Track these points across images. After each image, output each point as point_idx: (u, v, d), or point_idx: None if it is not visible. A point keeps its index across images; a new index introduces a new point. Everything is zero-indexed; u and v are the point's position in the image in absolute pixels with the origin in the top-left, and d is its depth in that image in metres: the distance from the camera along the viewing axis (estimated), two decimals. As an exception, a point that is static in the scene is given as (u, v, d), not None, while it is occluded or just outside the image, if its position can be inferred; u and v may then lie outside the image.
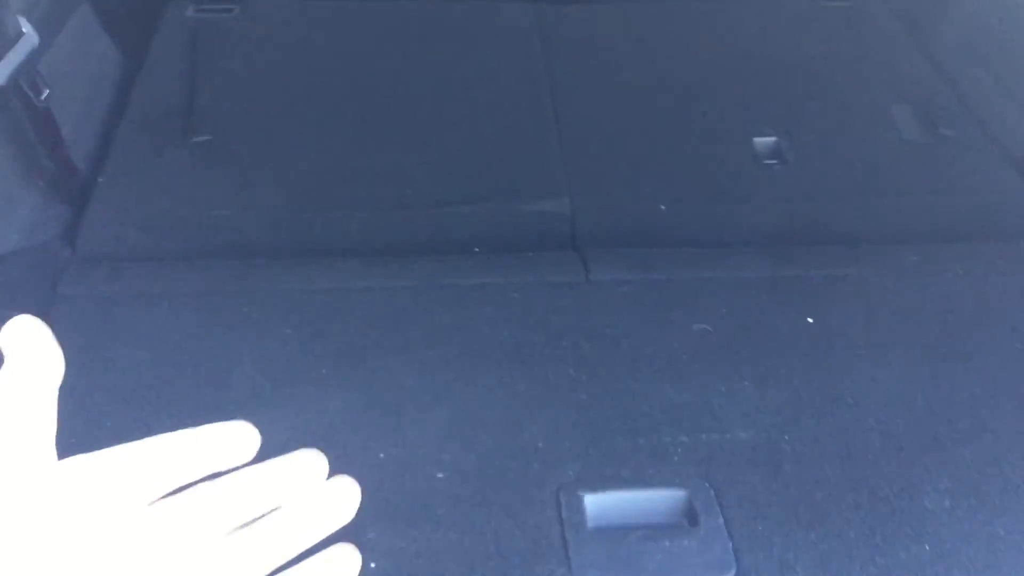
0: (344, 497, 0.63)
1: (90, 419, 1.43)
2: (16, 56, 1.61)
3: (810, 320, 1.63)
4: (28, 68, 1.65)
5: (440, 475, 1.37)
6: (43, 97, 1.68)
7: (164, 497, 0.58)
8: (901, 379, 1.52)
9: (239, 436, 0.63)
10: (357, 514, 1.27)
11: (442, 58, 2.28)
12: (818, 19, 2.43)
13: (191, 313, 1.62)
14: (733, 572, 1.25)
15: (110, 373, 1.51)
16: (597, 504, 1.33)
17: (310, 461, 0.64)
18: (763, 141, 2.06)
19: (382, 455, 1.39)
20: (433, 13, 2.42)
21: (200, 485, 0.60)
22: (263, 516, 0.60)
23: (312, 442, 1.32)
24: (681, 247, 1.79)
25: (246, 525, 0.59)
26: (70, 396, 1.30)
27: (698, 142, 2.07)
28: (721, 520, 1.31)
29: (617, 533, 1.30)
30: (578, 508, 1.32)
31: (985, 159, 2.02)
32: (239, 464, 0.63)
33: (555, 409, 1.46)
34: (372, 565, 1.26)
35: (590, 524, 1.31)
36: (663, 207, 1.88)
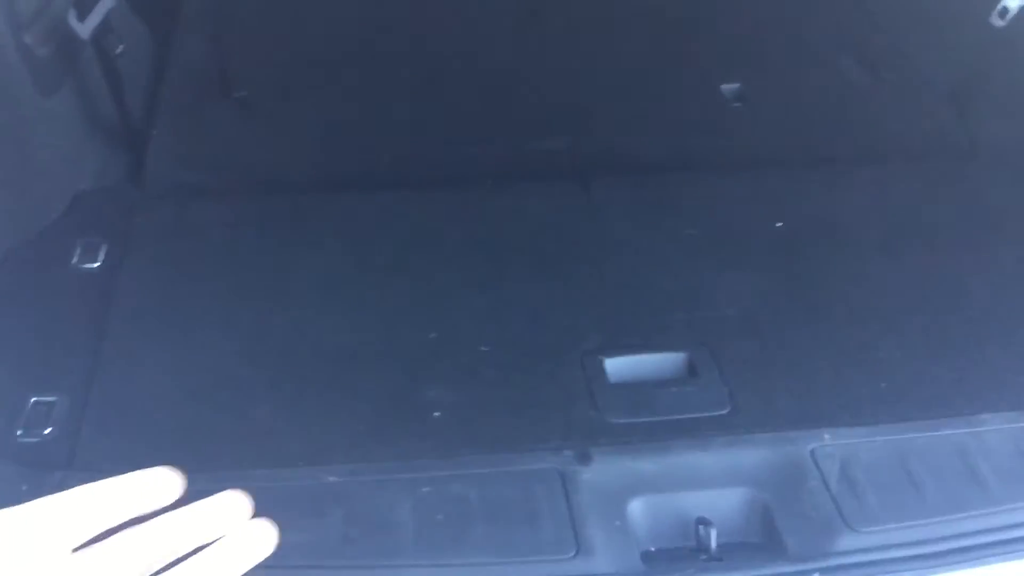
0: (261, 537, 0.66)
1: (175, 324, 1.69)
2: (97, 15, 1.87)
3: (779, 224, 1.94)
4: (105, 26, 1.91)
5: (484, 348, 1.65)
6: (118, 51, 1.94)
7: (87, 544, 0.60)
8: (857, 265, 1.83)
9: (161, 481, 0.66)
10: (418, 378, 1.54)
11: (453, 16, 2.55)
12: None
13: (250, 236, 1.89)
14: (728, 408, 1.55)
15: (186, 286, 1.77)
16: (615, 365, 1.62)
17: (231, 502, 0.67)
18: (729, 88, 2.36)
19: (433, 335, 1.67)
20: None
21: (123, 531, 0.62)
22: (185, 558, 0.63)
23: (372, 329, 1.61)
24: (667, 172, 2.08)
25: (168, 567, 0.62)
26: (155, 307, 1.58)
27: (674, 86, 2.37)
28: (716, 372, 1.60)
29: (632, 385, 1.60)
30: (600, 368, 1.61)
31: (919, 95, 2.35)
32: (162, 507, 0.66)
33: (573, 295, 1.75)
34: (436, 414, 1.53)
35: (610, 379, 1.60)
36: None
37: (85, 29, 1.87)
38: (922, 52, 2.42)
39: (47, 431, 1.49)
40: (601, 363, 1.62)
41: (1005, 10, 2.09)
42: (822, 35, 2.55)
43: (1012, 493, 1.41)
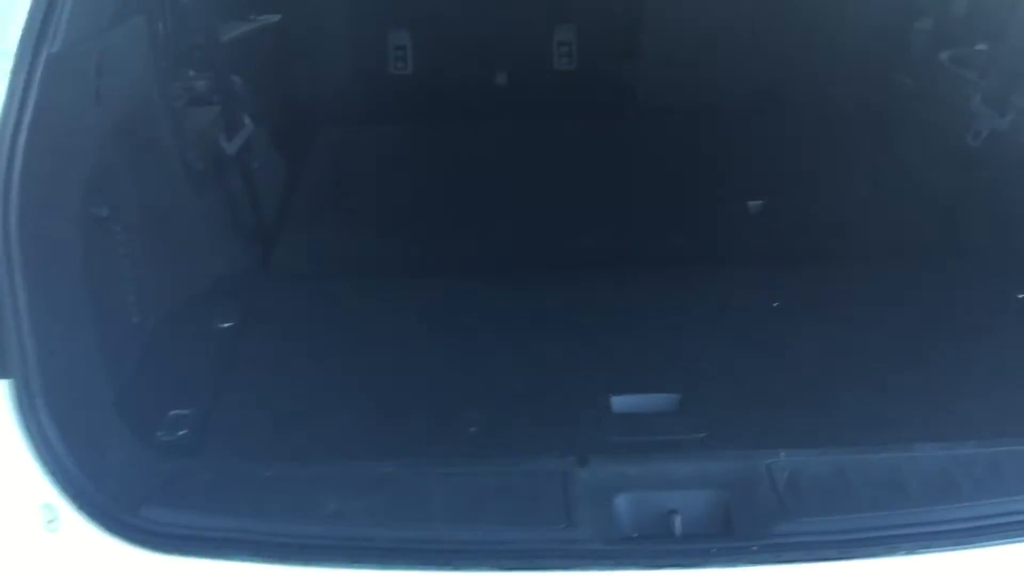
0: None
1: (284, 366, 2.19)
2: (240, 138, 2.48)
3: (776, 304, 2.33)
4: (246, 146, 2.52)
5: (517, 387, 2.09)
6: (255, 167, 2.55)
7: None
8: (833, 332, 2.22)
9: None
10: (462, 405, 1.99)
11: None
12: None
13: (347, 309, 2.42)
14: (705, 433, 1.93)
15: (296, 341, 2.28)
16: (619, 401, 2.04)
17: None
18: (754, 203, 2.82)
19: (476, 377, 2.12)
20: None
21: None
22: None
23: (429, 371, 2.11)
24: (688, 267, 2.53)
25: None
26: (270, 354, 2.09)
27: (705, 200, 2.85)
28: (701, 408, 1.99)
29: (631, 416, 2.01)
30: (606, 403, 2.03)
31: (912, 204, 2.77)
32: None
33: (595, 354, 2.20)
34: (472, 429, 1.97)
35: (614, 411, 2.01)
36: None
37: (231, 148, 2.48)
38: (916, 168, 2.82)
39: (181, 433, 1.99)
40: (608, 399, 2.03)
41: (978, 133, 2.48)
42: (835, 157, 2.99)
43: (931, 498, 1.73)
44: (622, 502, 1.77)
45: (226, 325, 2.34)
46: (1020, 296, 2.33)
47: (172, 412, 2.04)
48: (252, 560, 1.57)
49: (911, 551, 1.64)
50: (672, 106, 3.33)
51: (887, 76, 3.21)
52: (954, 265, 2.48)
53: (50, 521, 1.58)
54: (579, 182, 2.98)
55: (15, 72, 1.56)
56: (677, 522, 1.71)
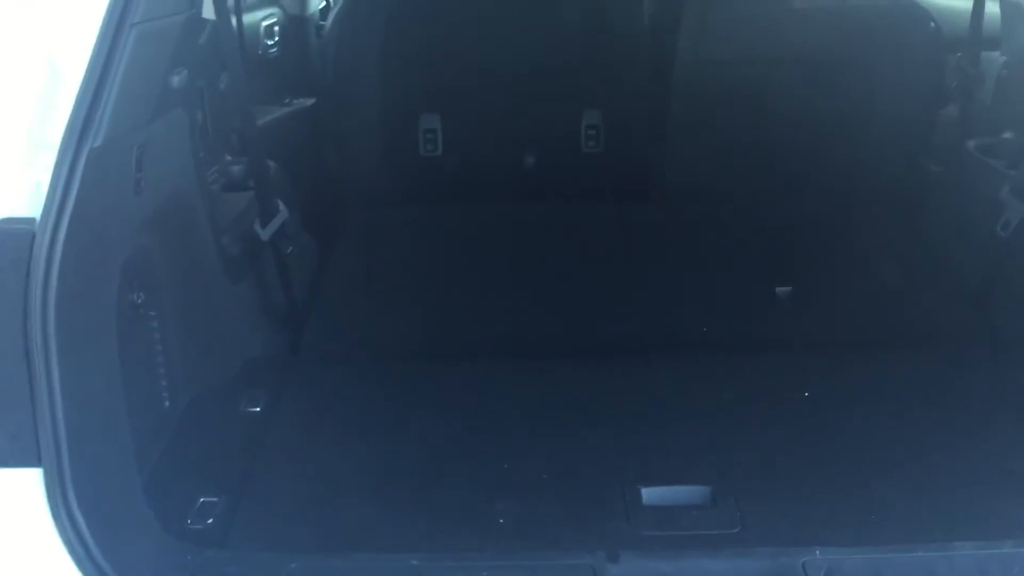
0: None
1: (310, 451, 2.19)
2: (274, 224, 2.52)
3: (807, 394, 2.32)
4: (280, 232, 2.55)
5: (545, 476, 2.07)
6: (288, 252, 2.58)
7: None
8: (864, 427, 2.19)
9: None
10: (491, 495, 1.98)
11: None
12: None
13: (373, 392, 2.42)
14: (738, 528, 1.90)
15: (322, 426, 2.28)
16: (649, 492, 2.01)
17: None
18: (783, 290, 2.82)
19: (506, 465, 2.11)
20: None
21: None
22: None
23: (458, 458, 2.09)
24: (720, 352, 2.52)
25: None
26: (297, 439, 2.10)
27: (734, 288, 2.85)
28: (732, 501, 1.96)
29: (662, 508, 1.98)
30: (636, 494, 2.00)
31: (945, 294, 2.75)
32: None
33: (625, 442, 2.18)
34: (500, 521, 1.95)
35: (645, 503, 1.98)
36: None
37: (265, 234, 2.51)
38: (946, 256, 2.81)
39: (209, 521, 1.98)
40: (638, 491, 2.01)
41: (1008, 223, 2.48)
42: (864, 243, 2.99)
43: None
44: (654, 602, 1.75)
45: (255, 409, 2.34)
46: None
47: (201, 500, 2.03)
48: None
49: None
50: (699, 189, 3.35)
51: (915, 163, 3.22)
52: (986, 355, 2.46)
53: (78, 613, 1.58)
54: (607, 266, 3.00)
55: (58, 166, 1.59)
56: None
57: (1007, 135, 2.94)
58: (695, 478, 2.05)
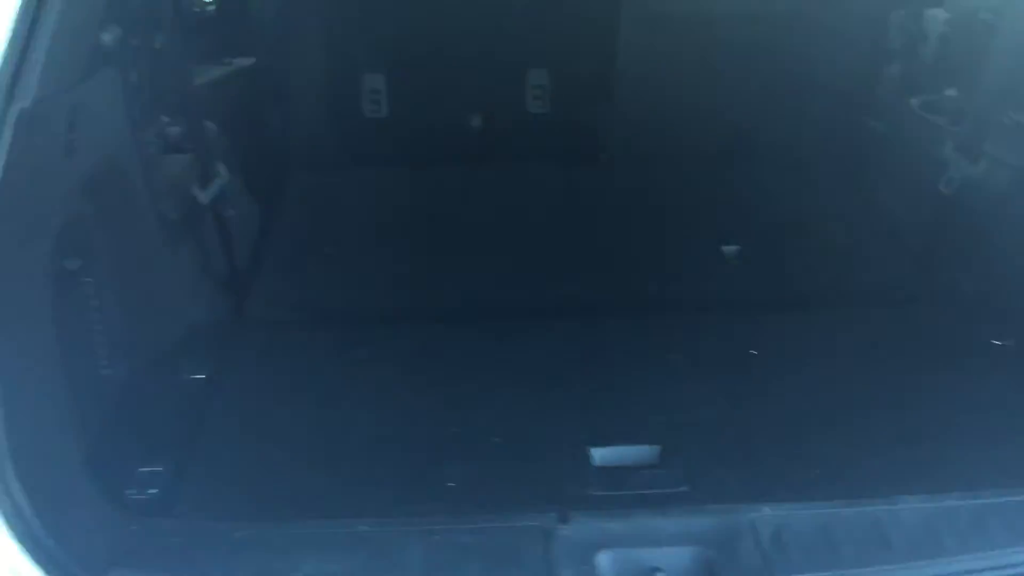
0: None
1: (255, 418, 2.15)
2: (214, 187, 2.46)
3: (753, 352, 2.33)
4: (221, 195, 2.49)
5: (496, 439, 2.06)
6: (229, 215, 2.51)
7: None
8: (811, 382, 2.21)
9: None
10: (440, 458, 1.95)
11: None
12: None
13: (320, 357, 2.38)
14: (687, 486, 1.91)
15: (267, 393, 2.25)
16: (599, 452, 2.02)
17: None
18: (729, 248, 2.82)
19: (455, 429, 2.09)
20: None
21: None
22: None
23: (408, 423, 2.06)
24: (666, 312, 2.52)
25: None
26: (242, 407, 2.06)
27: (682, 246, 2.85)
28: (681, 460, 1.98)
29: (612, 468, 1.99)
30: (585, 455, 2.00)
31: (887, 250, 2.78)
32: None
33: (574, 403, 2.18)
34: (450, 484, 1.93)
35: (594, 463, 1.99)
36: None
37: (205, 197, 2.45)
38: (890, 213, 2.84)
39: (153, 491, 1.94)
40: (588, 451, 2.01)
41: (950, 180, 2.50)
42: (810, 202, 3.01)
43: (915, 553, 1.72)
44: (604, 560, 1.74)
45: (199, 376, 2.29)
46: (996, 343, 2.34)
47: (143, 469, 1.99)
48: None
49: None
50: (646, 150, 3.34)
51: (858, 121, 3.23)
52: (930, 311, 2.49)
53: (18, 585, 1.53)
54: (555, 227, 2.98)
55: (-16, 128, 1.53)
56: (662, 579, 1.70)
57: (949, 92, 2.96)
58: (645, 438, 2.05)
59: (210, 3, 3.72)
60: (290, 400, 2.21)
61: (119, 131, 2.23)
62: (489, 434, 2.08)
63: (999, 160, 2.43)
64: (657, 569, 1.71)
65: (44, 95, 1.64)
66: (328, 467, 2.00)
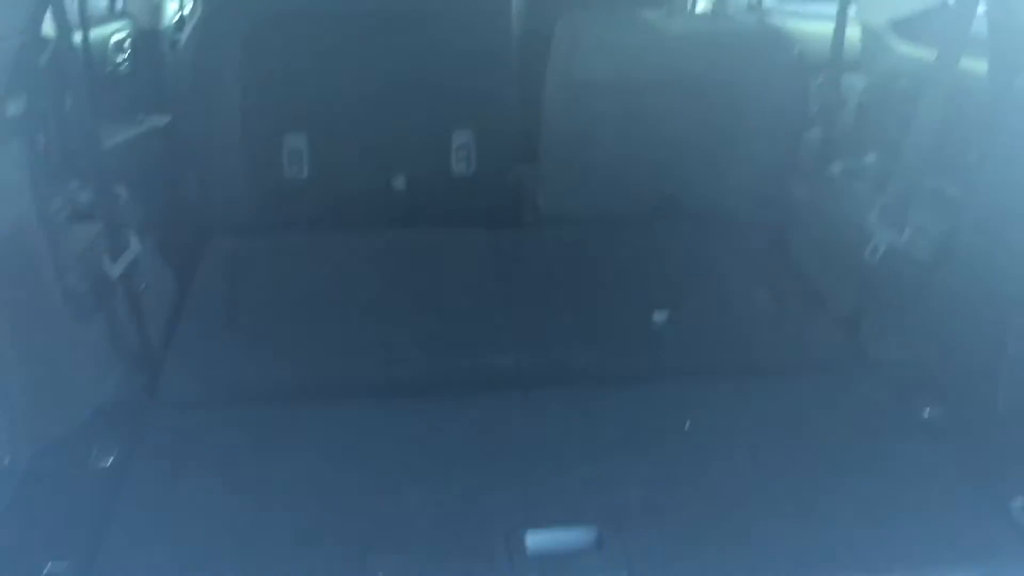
0: None
1: (169, 509, 2.02)
2: (125, 259, 2.33)
3: (687, 426, 2.28)
4: (132, 267, 2.37)
5: (424, 523, 1.97)
6: (142, 288, 2.39)
7: None
8: (748, 458, 2.17)
9: None
10: (369, 547, 1.83)
11: None
12: None
13: (237, 440, 2.25)
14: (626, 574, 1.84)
15: (182, 480, 2.12)
16: (533, 538, 1.93)
17: None
18: (659, 315, 2.79)
19: (383, 513, 1.99)
20: None
21: None
22: None
23: (332, 510, 1.93)
24: (599, 383, 2.47)
25: None
26: (154, 496, 1.93)
27: (613, 313, 2.81)
28: (620, 546, 1.91)
29: (547, 555, 1.90)
30: (520, 540, 1.92)
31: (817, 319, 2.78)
32: None
33: (506, 483, 2.09)
34: (379, 574, 1.83)
35: (528, 549, 1.91)
36: None
37: (115, 270, 2.33)
38: (817, 281, 2.85)
39: None
40: (522, 536, 1.93)
41: (876, 248, 2.51)
42: (739, 267, 3.00)
43: None
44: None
45: (108, 462, 2.16)
46: (925, 413, 2.35)
47: (48, 564, 1.86)
48: None
49: None
50: (573, 213, 3.31)
51: (783, 186, 3.26)
52: (861, 380, 2.48)
53: None
54: (482, 295, 2.91)
55: None
56: None
57: (870, 158, 3.00)
58: (581, 520, 1.99)
59: (123, 62, 3.62)
60: (204, 487, 2.08)
61: (23, 200, 2.11)
62: (417, 520, 1.98)
63: (923, 228, 2.46)
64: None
65: None
66: (246, 561, 1.88)
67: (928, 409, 2.35)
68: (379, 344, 2.62)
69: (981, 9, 2.32)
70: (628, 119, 3.23)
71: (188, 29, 3.95)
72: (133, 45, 3.68)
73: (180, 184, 3.40)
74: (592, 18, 3.21)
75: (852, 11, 3.12)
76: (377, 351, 2.59)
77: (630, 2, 3.30)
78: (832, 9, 3.13)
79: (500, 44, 3.44)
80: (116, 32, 3.59)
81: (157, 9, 4.03)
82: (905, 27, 3.21)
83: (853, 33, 3.28)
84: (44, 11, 2.21)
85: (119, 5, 3.76)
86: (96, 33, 3.39)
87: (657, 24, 3.19)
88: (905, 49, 3.12)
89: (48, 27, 2.31)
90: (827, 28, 3.17)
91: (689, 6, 4.26)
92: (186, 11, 4.25)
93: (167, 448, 2.21)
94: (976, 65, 2.35)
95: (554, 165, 3.36)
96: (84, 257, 2.34)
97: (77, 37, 2.81)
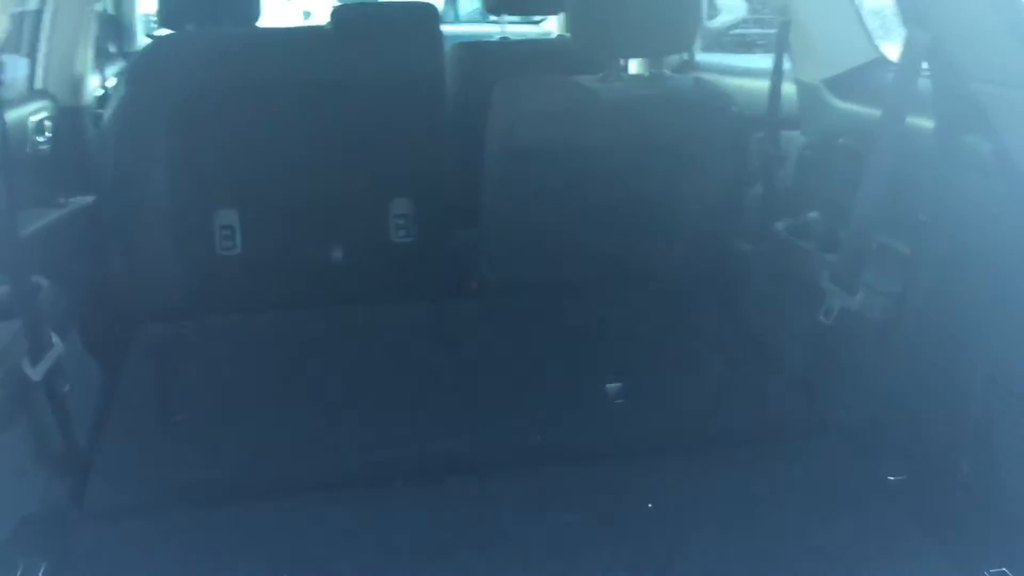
0: None
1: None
2: (47, 361, 2.19)
3: (650, 505, 2.19)
4: (55, 368, 2.22)
5: None
6: (65, 389, 2.24)
7: None
8: (717, 536, 2.08)
9: None
10: None
11: None
12: None
13: (173, 551, 2.11)
14: None
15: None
16: None
17: None
18: (612, 386, 2.71)
19: None
20: None
21: None
22: None
23: None
24: (555, 464, 2.36)
25: None
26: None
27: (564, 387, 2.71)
28: None
29: None
30: None
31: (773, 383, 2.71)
32: None
33: None
34: None
35: None
36: None
37: (37, 373, 2.17)
38: (772, 344, 2.80)
39: None
40: None
41: (829, 310, 2.47)
42: (690, 332, 2.94)
43: None
44: None
45: None
46: (891, 478, 2.29)
47: None
48: None
49: None
50: (517, 281, 3.23)
51: (728, 247, 3.22)
52: (821, 446, 2.42)
53: None
54: (427, 373, 2.80)
55: None
56: None
57: (813, 215, 2.97)
58: None
59: (43, 143, 3.48)
60: None
61: None
62: None
63: (875, 289, 2.42)
64: None
65: None
66: None
67: (892, 476, 2.29)
68: (322, 433, 2.49)
69: (924, 65, 2.30)
70: (569, 184, 3.17)
71: (112, 105, 3.83)
72: (55, 124, 3.54)
73: (106, 268, 3.25)
74: (528, 84, 3.15)
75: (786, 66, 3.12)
76: (320, 440, 2.47)
77: (566, 67, 3.26)
78: (761, 63, 3.11)
79: (435, 110, 3.37)
80: (35, 112, 3.45)
81: (79, 85, 3.89)
82: (840, 84, 3.21)
83: (788, 88, 3.27)
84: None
85: (38, 83, 3.62)
86: (14, 115, 3.25)
87: (594, 88, 3.14)
88: (843, 106, 3.12)
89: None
90: (760, 84, 3.16)
91: (624, 67, 4.25)
92: (109, 85, 4.13)
93: (97, 562, 2.05)
94: (921, 122, 2.33)
95: (496, 231, 3.27)
96: (1, 360, 2.19)
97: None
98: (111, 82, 4.17)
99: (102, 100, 3.97)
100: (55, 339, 2.24)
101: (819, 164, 3.09)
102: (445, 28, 3.60)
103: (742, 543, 2.07)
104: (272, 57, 3.23)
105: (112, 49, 4.81)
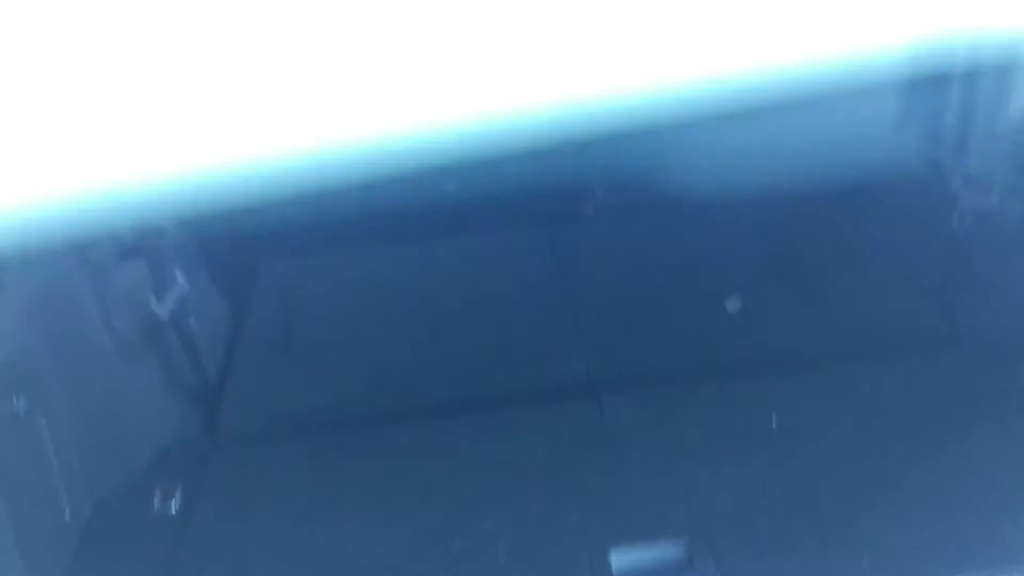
0: None
1: (236, 553, 1.93)
2: (173, 297, 2.27)
3: (773, 423, 2.13)
4: (181, 304, 2.30)
5: (502, 555, 1.86)
6: (193, 324, 2.32)
7: None
8: (842, 454, 2.02)
9: None
10: None
11: None
12: None
13: (302, 474, 2.16)
14: None
15: (248, 520, 2.03)
16: (619, 557, 1.81)
17: None
18: (732, 303, 2.63)
19: (457, 545, 1.89)
20: None
21: None
22: None
23: (404, 543, 1.80)
24: (674, 384, 2.32)
25: None
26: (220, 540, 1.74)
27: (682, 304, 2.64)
28: (712, 561, 1.77)
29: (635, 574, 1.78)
30: (605, 560, 1.81)
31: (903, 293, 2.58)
32: None
33: (584, 500, 1.97)
34: None
35: (615, 570, 1.79)
36: None
37: (164, 309, 2.25)
38: (904, 253, 2.66)
39: None
40: (607, 555, 1.80)
41: (962, 215, 2.33)
42: (816, 248, 2.82)
43: None
44: None
45: (170, 511, 2.08)
46: None
47: None
48: None
49: None
50: (633, 200, 3.15)
51: None
52: (956, 357, 2.30)
53: None
54: (543, 297, 2.78)
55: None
56: None
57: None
58: (668, 532, 1.85)
59: None
60: (274, 527, 2.00)
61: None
62: (495, 547, 1.87)
63: (1013, 189, 2.27)
64: None
65: None
66: None
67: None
68: (446, 360, 2.51)
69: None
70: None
71: None
72: None
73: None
74: None
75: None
76: (444, 368, 2.48)
77: None
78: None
79: None
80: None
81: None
82: None
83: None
84: None
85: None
86: None
87: None
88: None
89: None
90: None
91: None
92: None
93: (230, 488, 2.13)
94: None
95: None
96: (130, 298, 2.26)
97: None
98: None
99: None
100: (179, 275, 2.32)
101: None
102: None
103: (876, 464, 1.98)
104: None
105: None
